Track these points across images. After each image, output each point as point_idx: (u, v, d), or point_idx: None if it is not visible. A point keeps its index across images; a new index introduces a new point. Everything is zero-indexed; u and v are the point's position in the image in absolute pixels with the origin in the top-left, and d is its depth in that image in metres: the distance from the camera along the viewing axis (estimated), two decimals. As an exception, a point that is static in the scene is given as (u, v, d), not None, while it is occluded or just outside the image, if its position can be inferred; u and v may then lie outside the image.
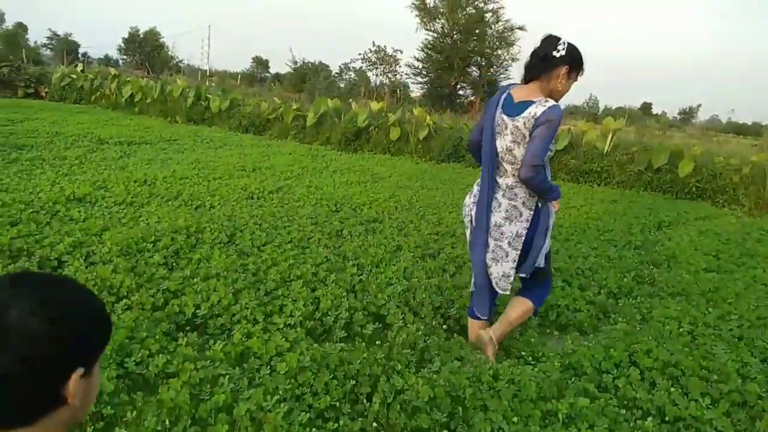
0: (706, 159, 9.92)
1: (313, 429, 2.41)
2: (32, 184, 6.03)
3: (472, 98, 36.27)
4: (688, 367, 3.11)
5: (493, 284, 3.21)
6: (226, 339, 3.18)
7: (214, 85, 20.88)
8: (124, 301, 3.41)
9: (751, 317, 3.95)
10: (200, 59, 57.49)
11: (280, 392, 2.59)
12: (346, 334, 3.41)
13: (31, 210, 4.97)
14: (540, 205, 3.08)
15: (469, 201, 3.30)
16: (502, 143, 3.01)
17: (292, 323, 3.40)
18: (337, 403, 2.61)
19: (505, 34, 35.29)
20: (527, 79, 2.99)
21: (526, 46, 35.96)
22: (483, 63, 36.00)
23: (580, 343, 3.46)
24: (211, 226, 5.07)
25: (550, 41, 2.91)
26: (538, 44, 2.95)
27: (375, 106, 13.58)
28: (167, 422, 2.35)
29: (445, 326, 3.62)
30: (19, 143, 8.80)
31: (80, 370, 0.93)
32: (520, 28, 35.04)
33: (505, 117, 2.97)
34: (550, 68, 2.90)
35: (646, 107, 50.79)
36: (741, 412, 2.76)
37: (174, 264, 4.17)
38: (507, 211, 3.07)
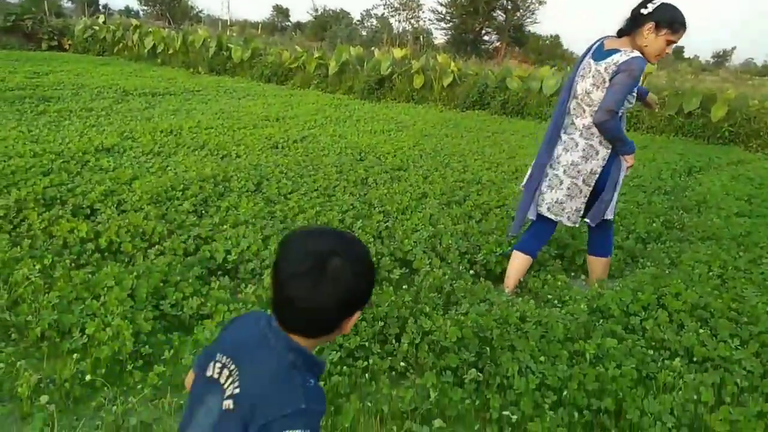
0: (739, 103, 9.61)
1: (344, 367, 2.48)
2: (61, 135, 6.11)
3: (498, 44, 35.40)
4: (718, 309, 3.10)
5: (545, 211, 3.38)
6: (257, 283, 3.24)
7: (235, 35, 20.65)
8: (156, 247, 3.49)
9: (784, 261, 3.89)
10: (220, 9, 56.82)
11: (311, 333, 2.64)
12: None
13: (61, 160, 5.05)
14: (614, 155, 3.24)
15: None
16: (582, 85, 3.17)
17: (321, 268, 3.43)
18: (367, 343, 2.67)
19: (533, -24, 34.13)
20: (619, 34, 3.16)
21: (554, -13, 34.61)
22: (509, 7, 34.93)
23: (608, 287, 3.46)
24: (237, 174, 5.11)
25: (644, 0, 3.05)
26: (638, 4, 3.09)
27: (398, 53, 13.34)
28: (204, 360, 2.43)
29: (471, 271, 3.64)
30: (46, 95, 8.88)
31: (359, 312, 1.23)
32: (549, -31, 33.83)
33: (591, 61, 3.16)
34: (638, 25, 3.05)
35: (678, 51, 49.01)
36: (770, 352, 2.75)
37: (203, 211, 4.23)
38: (584, 150, 3.24)
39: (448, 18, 35.59)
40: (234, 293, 3.12)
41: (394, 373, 2.59)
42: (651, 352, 2.73)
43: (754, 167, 7.43)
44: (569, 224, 3.39)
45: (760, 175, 6.77)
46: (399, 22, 39.23)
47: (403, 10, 38.75)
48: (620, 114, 3.16)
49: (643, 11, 3.01)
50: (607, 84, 3.05)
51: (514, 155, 7.01)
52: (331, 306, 1.17)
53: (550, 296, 3.41)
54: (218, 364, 1.22)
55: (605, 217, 3.34)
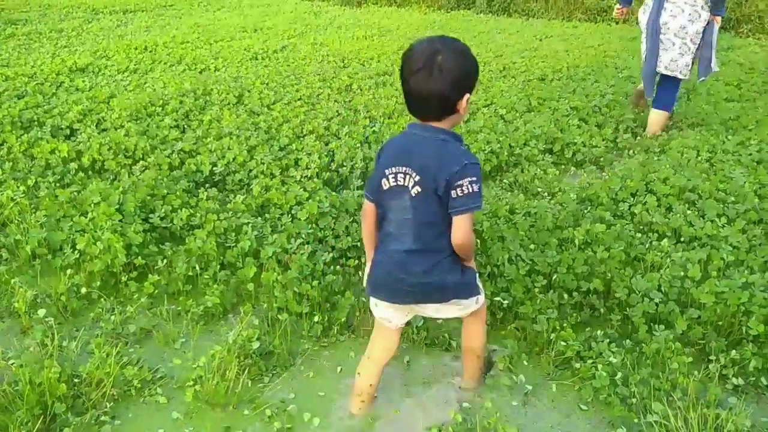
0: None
1: (337, 267, 2.51)
2: (32, 58, 5.89)
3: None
4: (705, 191, 3.12)
5: (675, 73, 4.03)
6: (246, 193, 3.22)
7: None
8: (140, 163, 3.45)
9: (772, 142, 3.88)
10: None
11: (303, 236, 2.66)
12: (362, 183, 3.43)
13: (35, 82, 4.90)
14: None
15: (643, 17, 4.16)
16: None
17: (309, 175, 3.42)
18: (359, 243, 2.69)
19: None
20: None
21: None
22: None
23: (597, 177, 3.46)
24: (218, 87, 4.97)
25: None
26: None
27: (377, -47, 12.67)
28: (197, 268, 2.46)
29: (460, 168, 3.62)
30: (12, 18, 8.48)
31: (468, 95, 1.61)
32: None
33: None
34: None
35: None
36: (757, 228, 2.79)
37: (185, 126, 4.14)
38: (690, 15, 3.88)
39: None
40: (223, 203, 3.11)
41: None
42: (639, 235, 2.78)
43: (744, 53, 7.27)
44: (682, 77, 4.05)
45: (750, 60, 6.64)
46: None
47: None
48: None
49: None
50: None
51: (501, 54, 6.82)
52: (445, 89, 1.58)
53: (539, 189, 3.41)
54: (391, 176, 1.65)
55: (712, 70, 4.06)
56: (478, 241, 2.63)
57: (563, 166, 3.86)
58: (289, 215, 2.91)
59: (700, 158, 3.67)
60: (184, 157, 3.55)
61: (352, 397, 1.90)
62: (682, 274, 2.37)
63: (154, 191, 3.01)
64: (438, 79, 1.56)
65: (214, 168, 3.44)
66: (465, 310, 1.81)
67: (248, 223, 2.78)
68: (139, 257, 2.51)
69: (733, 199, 3.04)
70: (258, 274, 2.44)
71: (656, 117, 4.22)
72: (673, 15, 3.93)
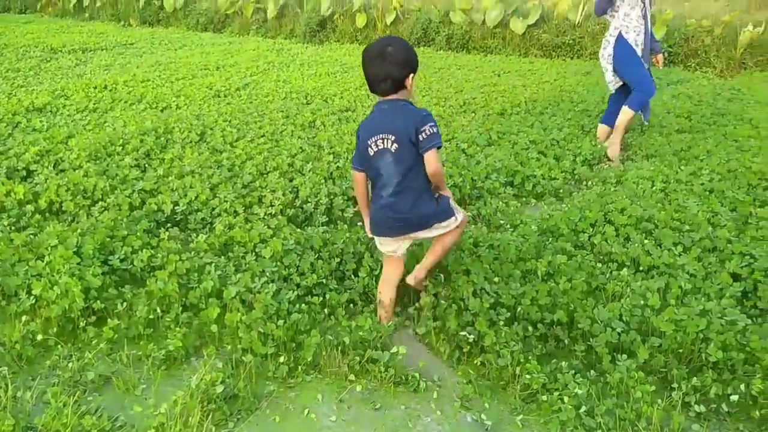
0: (678, 23, 9.71)
1: (302, 305, 2.49)
2: (-13, 98, 5.77)
3: (439, -21, 34.69)
4: (661, 220, 3.21)
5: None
6: (209, 232, 3.19)
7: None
8: (100, 203, 3.38)
9: (722, 171, 4.03)
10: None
11: (267, 275, 2.64)
12: (327, 219, 3.44)
13: (-11, 123, 4.79)
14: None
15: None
16: None
17: (273, 212, 3.40)
18: (324, 280, 2.68)
19: None
20: None
21: None
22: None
23: (557, 208, 3.53)
24: (179, 125, 4.94)
25: None
26: None
27: (338, -8, 12.92)
28: (158, 310, 2.41)
29: (424, 203, 3.65)
30: (-34, 58, 8.32)
31: (412, 74, 2.25)
32: None
33: None
34: None
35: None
36: (711, 256, 2.88)
37: (146, 165, 4.10)
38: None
39: (388, -46, 34.59)
40: (185, 243, 3.06)
41: (352, 305, 2.62)
42: (600, 265, 2.84)
43: (692, 86, 7.60)
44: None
45: (698, 93, 6.93)
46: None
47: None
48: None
49: None
50: None
51: (461, 89, 6.98)
52: (394, 70, 2.22)
53: (502, 222, 3.46)
54: (373, 144, 2.28)
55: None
56: (442, 275, 2.65)
57: (524, 199, 3.94)
58: (253, 253, 2.88)
59: (655, 188, 3.78)
60: (144, 197, 3.50)
61: (379, 309, 2.50)
62: (642, 302, 2.42)
63: (113, 232, 2.95)
64: (388, 63, 2.22)
65: (176, 207, 3.40)
66: (447, 228, 2.40)
67: (211, 262, 2.74)
68: (98, 301, 2.45)
69: (687, 227, 3.14)
70: (221, 315, 2.39)
71: (623, 112, 4.64)
72: (603, 47, 4.68)
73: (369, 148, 2.29)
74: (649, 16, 4.57)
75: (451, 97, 6.47)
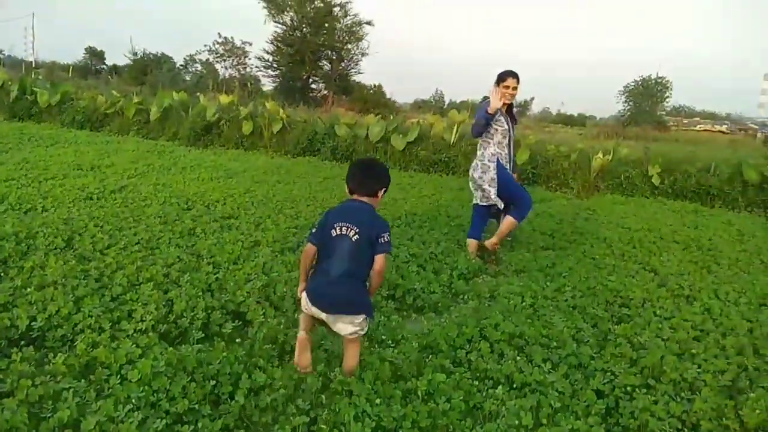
0: (539, 147, 10.81)
1: (172, 435, 2.30)
2: None
3: (325, 92, 36.34)
4: (531, 336, 3.39)
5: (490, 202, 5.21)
6: (68, 351, 2.92)
7: (42, 78, 18.99)
8: (-61, 319, 3.01)
9: (583, 288, 4.39)
10: (24, 50, 51.74)
11: (133, 401, 2.44)
12: (203, 335, 3.28)
13: None
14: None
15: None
16: None
17: (143, 328, 3.20)
18: (197, 406, 2.52)
19: (354, 29, 35.74)
20: None
21: (375, 39, 36.49)
22: (334, 57, 36.19)
23: (436, 323, 3.63)
24: (44, 230, 4.62)
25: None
26: None
27: (225, 99, 13.13)
28: (1, 447, 2.12)
29: (306, 318, 3.61)
30: None
31: (384, 189, 2.94)
32: (368, 23, 35.69)
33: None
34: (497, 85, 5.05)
35: (486, 100, 54.04)
36: (577, 373, 3.06)
37: (2, 274, 3.75)
38: (481, 168, 5.22)
39: (276, 66, 35.86)
40: (40, 364, 2.77)
41: (227, 434, 2.46)
42: (476, 382, 2.91)
43: (554, 205, 8.36)
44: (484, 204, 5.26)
45: (559, 212, 7.63)
46: (225, 68, 38.63)
47: (229, 56, 38.32)
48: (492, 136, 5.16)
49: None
50: None
51: (346, 199, 7.17)
52: (373, 182, 2.89)
53: (383, 337, 3.48)
54: (337, 227, 2.75)
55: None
56: (324, 396, 2.58)
57: (405, 312, 4.01)
58: (118, 376, 2.66)
59: (524, 304, 4.01)
60: (-4, 311, 3.17)
61: (298, 351, 2.84)
62: (517, 422, 2.49)
63: (-47, 354, 2.62)
64: (371, 177, 2.92)
65: (33, 323, 3.10)
66: (357, 327, 2.75)
67: (69, 388, 2.49)
68: (-75, 439, 2.12)
69: (555, 344, 3.33)
70: (77, 451, 2.15)
71: (507, 221, 5.19)
72: (473, 169, 5.30)
73: (333, 230, 2.76)
74: (513, 143, 5.24)
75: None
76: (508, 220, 5.17)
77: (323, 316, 2.76)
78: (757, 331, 3.76)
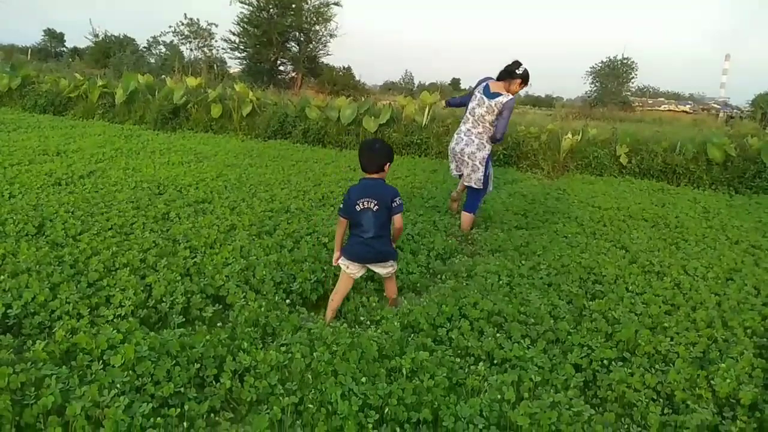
0: (510, 129, 10.89)
1: (158, 418, 2.30)
2: None
3: (294, 74, 35.90)
4: (509, 314, 3.46)
5: (471, 184, 5.51)
6: (48, 337, 2.89)
7: (1, 61, 18.35)
8: None
9: (557, 265, 4.48)
10: (-22, 32, 49.79)
11: (118, 386, 2.43)
12: (184, 319, 3.27)
13: None
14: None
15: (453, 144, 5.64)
16: (479, 111, 5.39)
17: (123, 314, 3.18)
18: (182, 389, 2.52)
19: (322, 10, 35.24)
20: (498, 78, 5.36)
21: (342, 21, 36.00)
22: (302, 38, 35.72)
23: (416, 303, 3.67)
24: (13, 217, 4.51)
25: (516, 63, 5.25)
26: (510, 63, 5.30)
27: (192, 82, 12.89)
28: (-15, 435, 2.09)
29: (288, 300, 3.62)
30: None
31: (389, 163, 3.52)
32: (336, 4, 35.25)
33: (484, 97, 5.36)
34: (512, 78, 5.27)
35: (456, 83, 54.21)
36: (555, 348, 3.14)
37: (-29, 262, 3.65)
38: (477, 145, 5.45)
39: (242, 48, 35.24)
40: (18, 351, 2.73)
41: (213, 415, 2.47)
42: (458, 359, 2.95)
43: (526, 185, 8.47)
44: (475, 187, 5.51)
45: (531, 192, 7.74)
46: (191, 50, 37.83)
47: (195, 38, 37.52)
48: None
49: (517, 71, 5.23)
50: (496, 114, 5.33)
51: (320, 182, 7.16)
52: (379, 158, 3.46)
53: (362, 318, 3.51)
54: (361, 203, 3.39)
55: (484, 186, 5.53)
56: (310, 377, 2.60)
57: (384, 293, 4.04)
58: (101, 362, 2.64)
59: (501, 282, 4.08)
60: (-31, 300, 3.10)
61: (328, 311, 3.52)
62: (499, 397, 2.55)
63: (-72, 343, 2.56)
64: (375, 154, 3.47)
65: (9, 310, 3.04)
66: (390, 268, 3.59)
67: (51, 374, 2.45)
68: None
69: (533, 320, 3.41)
70: (63, 437, 2.14)
71: (465, 218, 5.58)
72: (466, 144, 5.46)
73: (357, 205, 3.39)
74: None
75: (309, 191, 6.60)
76: (464, 216, 5.59)
77: (363, 269, 3.53)
78: (725, 304, 3.90)
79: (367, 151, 3.50)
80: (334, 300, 3.53)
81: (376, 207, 3.38)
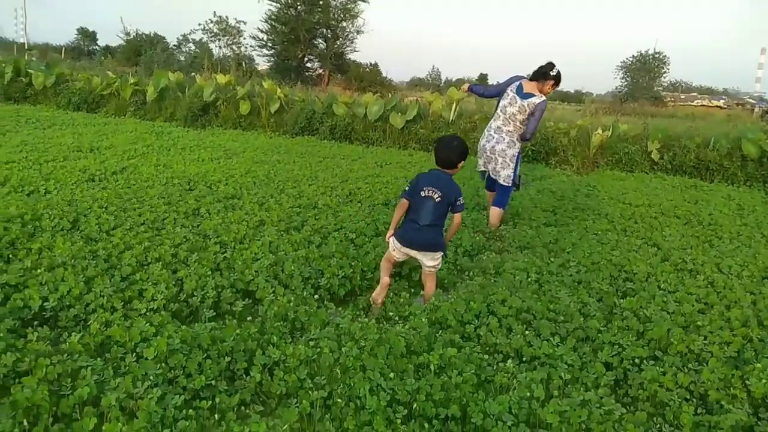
0: (539, 124, 10.77)
1: (189, 410, 2.34)
2: None
3: (321, 71, 36.05)
4: (538, 311, 3.43)
5: (500, 181, 5.51)
6: (83, 330, 2.95)
7: (35, 59, 18.78)
8: (-47, 300, 3.03)
9: (587, 263, 4.42)
10: (14, 32, 51.08)
11: (151, 378, 2.47)
12: (215, 313, 3.31)
13: None
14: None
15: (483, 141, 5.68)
16: (510, 110, 5.42)
17: (155, 307, 3.23)
18: (213, 382, 2.56)
19: (349, 6, 35.33)
20: (532, 78, 5.41)
21: (369, 18, 36.02)
22: (329, 35, 35.85)
23: (444, 299, 3.66)
24: (49, 212, 4.62)
25: (550, 65, 5.32)
26: (544, 64, 5.36)
27: (222, 79, 13.03)
28: (25, 423, 2.16)
29: (316, 296, 3.65)
30: None
31: (462, 161, 3.67)
32: (363, 0, 35.28)
33: (516, 96, 5.37)
34: (545, 79, 5.32)
35: (483, 78, 53.86)
36: (585, 346, 3.11)
37: (10, 256, 3.76)
38: (508, 143, 5.50)
39: (270, 45, 35.52)
40: (55, 344, 2.80)
41: (243, 407, 2.50)
42: (486, 356, 2.94)
43: (554, 182, 8.37)
44: (506, 185, 5.51)
45: (560, 189, 7.64)
46: (219, 48, 38.26)
47: (224, 35, 37.93)
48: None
49: (551, 72, 5.28)
50: (527, 114, 5.36)
51: (347, 179, 7.18)
52: (455, 156, 3.63)
53: (391, 313, 3.52)
54: (426, 190, 3.55)
55: (513, 183, 5.55)
56: (339, 371, 2.62)
57: (412, 290, 4.04)
58: (134, 354, 2.69)
59: (530, 279, 4.05)
60: (9, 292, 3.19)
61: (380, 290, 3.69)
62: (528, 394, 2.53)
63: (-31, 334, 2.64)
64: (451, 151, 3.63)
65: (45, 303, 3.12)
66: (436, 262, 3.66)
67: (86, 366, 2.52)
68: (-51, 417, 2.15)
69: (562, 318, 3.37)
70: (99, 426, 2.18)
71: (493, 212, 5.60)
72: (497, 141, 5.49)
73: (423, 191, 3.56)
74: None
75: (337, 187, 6.63)
76: (495, 211, 5.56)
77: (413, 253, 3.62)
78: (761, 303, 3.81)
79: (445, 147, 3.64)
80: (384, 274, 3.72)
81: (439, 198, 3.53)
